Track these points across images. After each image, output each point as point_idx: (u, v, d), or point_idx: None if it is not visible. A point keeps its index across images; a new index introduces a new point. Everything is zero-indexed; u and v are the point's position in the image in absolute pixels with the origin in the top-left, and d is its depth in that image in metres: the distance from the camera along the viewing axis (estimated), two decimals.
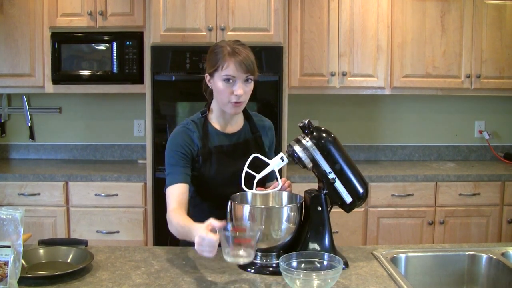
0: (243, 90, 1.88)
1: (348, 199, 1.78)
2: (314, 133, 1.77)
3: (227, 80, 1.87)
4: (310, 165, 1.76)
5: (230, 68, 1.86)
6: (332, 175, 1.76)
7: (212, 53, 1.93)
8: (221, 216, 1.84)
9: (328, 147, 1.76)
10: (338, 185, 1.76)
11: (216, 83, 1.90)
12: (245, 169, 1.75)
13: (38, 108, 4.11)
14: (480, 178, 3.60)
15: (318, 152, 1.75)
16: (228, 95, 1.89)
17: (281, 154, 1.77)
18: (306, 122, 1.80)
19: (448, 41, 3.77)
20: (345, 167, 1.77)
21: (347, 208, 1.80)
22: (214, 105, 2.01)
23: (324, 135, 1.78)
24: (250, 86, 1.92)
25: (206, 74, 1.96)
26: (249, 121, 2.08)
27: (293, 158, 1.78)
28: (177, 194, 1.89)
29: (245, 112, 2.08)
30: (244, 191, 1.77)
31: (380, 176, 3.56)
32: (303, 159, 1.76)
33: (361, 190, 1.79)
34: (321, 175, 1.77)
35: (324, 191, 1.78)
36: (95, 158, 4.15)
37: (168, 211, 1.87)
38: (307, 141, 1.75)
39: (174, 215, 1.82)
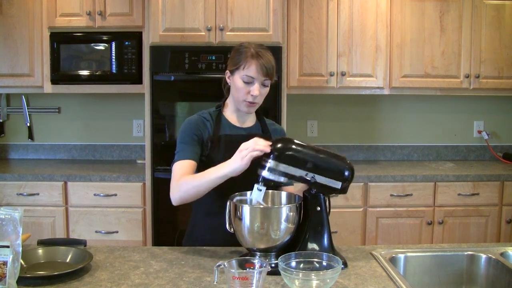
0: (259, 92, 1.96)
1: (337, 185, 1.76)
2: (273, 152, 1.74)
3: (246, 80, 1.95)
4: (286, 180, 1.75)
5: (251, 69, 1.94)
6: (309, 175, 1.74)
7: (236, 52, 2.01)
8: (225, 204, 1.85)
9: (290, 156, 1.73)
10: (321, 179, 1.74)
11: (236, 81, 1.98)
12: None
13: (37, 108, 4.12)
14: (479, 178, 3.60)
15: (285, 165, 1.72)
16: (245, 94, 1.97)
17: (256, 186, 1.76)
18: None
19: (447, 41, 3.78)
20: (317, 162, 1.75)
21: (342, 192, 1.79)
22: (229, 101, 2.09)
23: (280, 146, 1.74)
24: (266, 89, 2.01)
25: (227, 71, 2.04)
26: (261, 122, 2.14)
27: (267, 182, 1.76)
28: (185, 168, 1.94)
29: (257, 114, 2.15)
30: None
31: (379, 176, 3.56)
32: (275, 179, 1.73)
33: (346, 173, 1.77)
34: (301, 181, 1.76)
35: (313, 190, 1.77)
36: (94, 158, 4.15)
37: (176, 179, 1.91)
38: (270, 162, 1.72)
39: (187, 176, 1.88)
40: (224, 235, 1.90)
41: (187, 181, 1.86)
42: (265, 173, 1.73)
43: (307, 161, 1.74)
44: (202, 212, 2.06)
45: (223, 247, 1.93)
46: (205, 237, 2.04)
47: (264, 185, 1.75)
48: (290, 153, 1.74)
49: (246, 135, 2.05)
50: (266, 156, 1.74)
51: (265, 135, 2.10)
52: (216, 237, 2.00)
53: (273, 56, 2.01)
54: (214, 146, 2.00)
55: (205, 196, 1.93)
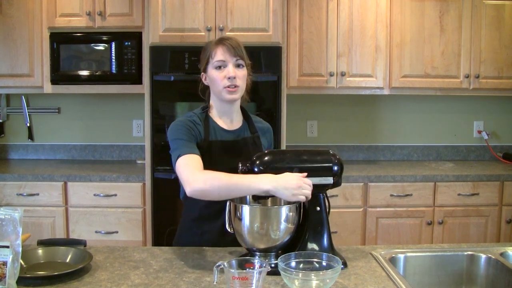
0: (234, 73, 1.92)
1: (329, 181, 1.76)
2: (257, 168, 1.73)
3: (218, 67, 1.93)
4: None
5: (219, 53, 1.92)
6: None
7: (202, 51, 2.01)
8: (214, 211, 1.85)
9: (275, 168, 1.72)
10: (311, 180, 1.74)
11: (210, 74, 1.96)
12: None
13: (37, 108, 4.11)
14: (479, 178, 3.60)
15: None
16: (221, 81, 1.93)
17: (251, 205, 1.77)
18: (244, 167, 1.76)
19: (447, 41, 3.78)
20: (302, 165, 1.74)
21: (335, 186, 1.78)
22: (213, 102, 2.04)
23: (262, 161, 1.73)
24: (243, 71, 1.96)
25: (202, 73, 2.02)
26: (248, 121, 2.09)
27: (261, 199, 1.76)
28: (199, 161, 1.80)
29: (244, 112, 2.10)
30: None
31: (379, 176, 3.56)
32: (268, 194, 1.72)
33: (334, 168, 1.75)
34: None
35: None
36: (94, 158, 4.15)
37: (196, 168, 1.76)
38: None
39: (218, 172, 1.72)
40: (212, 240, 1.92)
41: (220, 177, 1.70)
42: None
43: (292, 167, 1.73)
44: (189, 217, 2.03)
45: (222, 247, 1.93)
46: (192, 241, 2.00)
47: (258, 202, 1.76)
48: (273, 165, 1.73)
49: (236, 140, 2.02)
50: (251, 173, 1.73)
51: (253, 135, 2.06)
52: (203, 242, 1.98)
53: (240, 41, 1.98)
54: (204, 153, 1.92)
55: (192, 202, 1.88)
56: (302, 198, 1.66)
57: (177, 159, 1.82)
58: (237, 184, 1.68)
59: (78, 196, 3.48)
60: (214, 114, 2.04)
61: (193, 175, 1.74)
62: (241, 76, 1.95)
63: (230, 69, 1.91)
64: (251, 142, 2.04)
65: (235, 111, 2.05)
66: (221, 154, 1.97)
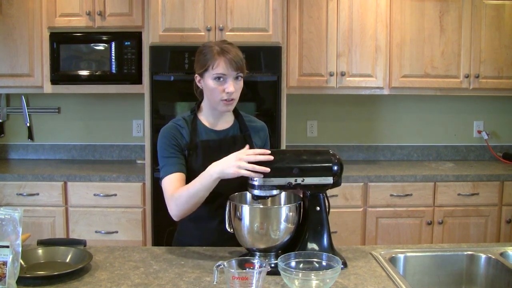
0: (234, 88, 1.91)
1: (329, 181, 1.75)
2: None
3: (218, 78, 1.91)
4: (278, 191, 1.74)
5: (221, 67, 1.89)
6: (299, 180, 1.72)
7: (200, 53, 1.96)
8: (207, 211, 1.86)
9: (274, 168, 1.71)
10: (310, 180, 1.73)
11: (207, 82, 1.93)
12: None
13: (36, 108, 4.11)
14: (479, 178, 3.60)
15: (272, 178, 1.71)
16: (220, 93, 1.92)
17: (252, 205, 1.77)
18: None
19: (446, 41, 3.78)
20: (302, 165, 1.73)
21: (335, 185, 1.77)
22: (204, 104, 2.04)
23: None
24: (240, 83, 1.95)
25: (196, 75, 2.00)
26: (239, 120, 2.09)
27: (261, 199, 1.76)
28: (176, 181, 1.90)
29: (235, 111, 2.09)
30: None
31: (378, 176, 3.56)
32: (268, 194, 1.73)
33: (334, 168, 1.74)
34: (292, 187, 1.74)
35: (308, 192, 1.77)
36: (94, 158, 4.15)
37: (170, 194, 1.88)
38: (257, 180, 1.71)
39: (180, 189, 1.86)
40: (211, 240, 1.93)
41: (181, 194, 1.83)
42: (256, 192, 1.72)
43: (292, 167, 1.72)
44: (187, 217, 2.01)
45: (222, 247, 1.93)
46: (191, 243, 1.99)
47: (259, 202, 1.76)
48: (273, 165, 1.71)
49: (224, 138, 2.01)
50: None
51: (244, 134, 2.04)
52: (202, 242, 1.98)
53: (239, 49, 1.95)
54: (192, 154, 1.95)
55: None
56: (243, 172, 1.67)
57: (161, 181, 1.95)
58: (196, 188, 1.80)
59: (78, 196, 3.48)
60: (202, 115, 2.05)
61: (167, 202, 1.89)
62: (238, 88, 1.95)
63: (230, 85, 1.90)
64: (241, 140, 2.03)
65: (225, 113, 2.05)
66: (209, 153, 1.95)
